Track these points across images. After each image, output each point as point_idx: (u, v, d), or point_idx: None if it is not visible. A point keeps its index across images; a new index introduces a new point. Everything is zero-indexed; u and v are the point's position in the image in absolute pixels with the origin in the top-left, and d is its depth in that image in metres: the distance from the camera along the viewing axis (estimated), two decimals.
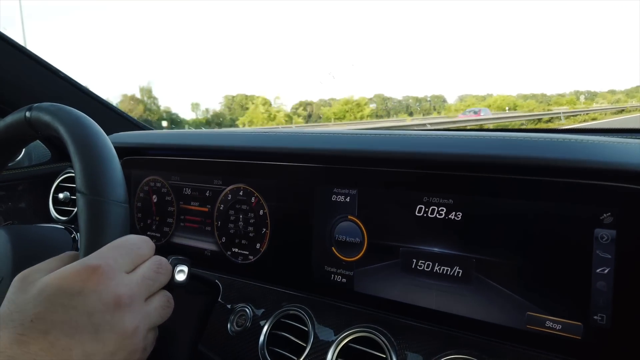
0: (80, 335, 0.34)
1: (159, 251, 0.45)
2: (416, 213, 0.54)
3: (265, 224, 0.67)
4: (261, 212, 0.67)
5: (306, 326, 0.59)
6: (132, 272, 0.40)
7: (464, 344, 0.50)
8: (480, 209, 0.50)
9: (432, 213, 0.53)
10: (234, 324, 0.65)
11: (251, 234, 0.68)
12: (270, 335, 0.61)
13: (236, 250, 0.70)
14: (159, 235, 0.80)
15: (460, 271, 0.51)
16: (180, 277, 0.46)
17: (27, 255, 0.54)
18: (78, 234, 0.64)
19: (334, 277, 0.61)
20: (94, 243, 0.40)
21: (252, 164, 0.69)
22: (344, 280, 0.60)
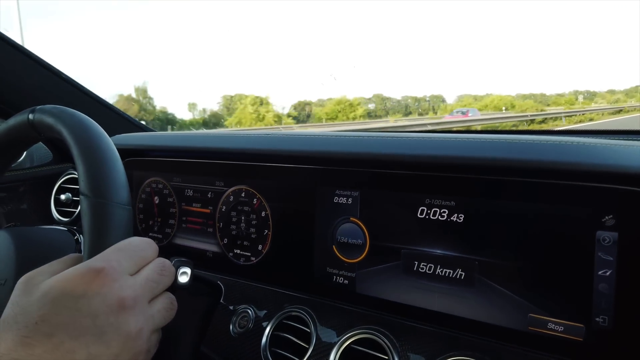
0: (84, 337, 0.34)
1: (161, 252, 0.45)
2: (418, 215, 0.54)
3: (267, 225, 0.67)
4: (263, 213, 0.68)
5: (308, 327, 0.59)
6: (135, 274, 0.40)
7: (466, 345, 0.50)
8: (482, 211, 0.50)
9: (434, 215, 0.53)
10: (236, 325, 0.65)
11: (253, 236, 0.69)
12: (272, 336, 0.61)
13: (238, 251, 0.70)
14: (160, 236, 0.80)
15: (463, 273, 0.51)
16: (183, 279, 0.47)
17: (30, 257, 0.54)
18: (81, 235, 0.64)
19: (336, 278, 0.61)
20: (98, 245, 0.40)
21: (255, 165, 0.69)
22: (345, 281, 0.60)
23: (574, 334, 0.45)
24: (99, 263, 0.38)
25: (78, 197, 0.93)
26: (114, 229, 0.42)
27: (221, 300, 0.69)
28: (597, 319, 0.44)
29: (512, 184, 0.49)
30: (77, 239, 0.63)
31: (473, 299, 0.51)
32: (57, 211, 0.96)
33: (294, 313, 0.61)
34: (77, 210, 0.92)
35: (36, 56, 0.90)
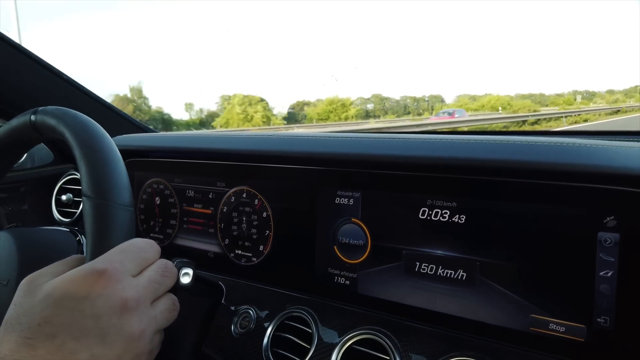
0: (87, 338, 0.34)
1: (162, 253, 0.45)
2: (420, 216, 0.54)
3: (269, 226, 0.67)
4: (264, 214, 0.68)
5: (310, 328, 0.59)
6: (138, 275, 0.40)
7: (468, 346, 0.50)
8: (483, 212, 0.50)
9: (435, 216, 0.53)
10: (238, 325, 0.65)
11: (254, 236, 0.69)
12: (274, 337, 0.61)
13: (239, 252, 0.71)
14: (161, 237, 0.80)
15: (464, 274, 0.51)
16: (186, 279, 0.47)
17: (32, 258, 0.54)
18: (83, 236, 0.64)
19: (337, 279, 0.61)
20: (100, 247, 0.40)
21: (256, 166, 0.69)
22: (347, 282, 0.60)
23: (576, 334, 0.45)
24: (101, 264, 0.38)
25: (79, 197, 0.93)
26: (117, 230, 0.42)
27: (222, 301, 0.70)
28: (599, 319, 0.44)
29: (514, 185, 0.49)
30: (79, 239, 0.63)
31: (474, 300, 0.51)
32: (58, 212, 0.96)
33: (295, 313, 0.61)
34: (78, 211, 0.92)
35: (37, 57, 0.90)
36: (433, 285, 0.53)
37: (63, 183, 0.98)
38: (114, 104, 1.10)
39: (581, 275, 0.45)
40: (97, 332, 0.35)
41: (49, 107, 0.49)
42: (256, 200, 0.68)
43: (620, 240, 0.43)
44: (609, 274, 0.44)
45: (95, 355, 0.34)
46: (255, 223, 0.69)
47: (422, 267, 0.54)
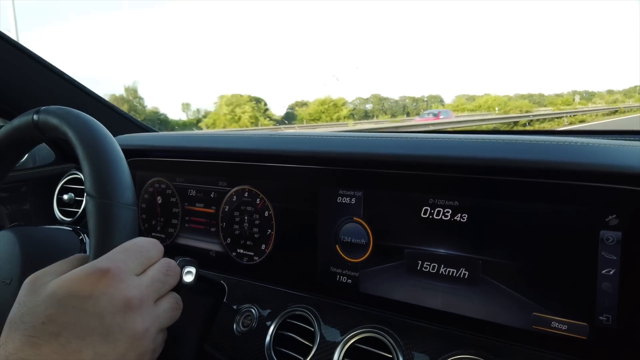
0: (91, 337, 0.34)
1: (164, 252, 0.45)
2: (422, 215, 0.54)
3: (271, 225, 0.67)
4: (266, 213, 0.68)
5: (312, 326, 0.59)
6: (141, 274, 0.40)
7: (470, 344, 0.50)
8: (485, 210, 0.50)
9: (437, 215, 0.53)
10: (240, 324, 0.65)
11: (256, 235, 0.69)
12: (276, 335, 0.61)
13: (241, 251, 0.71)
14: (163, 236, 0.80)
15: (467, 273, 0.51)
16: (188, 278, 0.47)
17: (35, 256, 0.54)
18: (85, 235, 0.65)
19: (339, 277, 0.61)
20: (104, 246, 0.41)
21: (258, 165, 0.69)
22: (349, 281, 0.60)
23: (578, 332, 0.45)
24: (105, 263, 0.38)
25: (80, 197, 0.94)
26: (120, 229, 0.42)
27: (224, 300, 0.70)
28: (601, 317, 0.44)
29: (516, 183, 0.49)
30: (82, 239, 0.63)
31: (477, 298, 0.51)
32: (60, 211, 0.96)
33: (297, 312, 0.62)
34: (80, 210, 0.92)
35: (39, 57, 0.90)
36: (435, 284, 0.53)
37: (64, 183, 0.98)
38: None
39: (583, 273, 0.45)
40: (100, 331, 0.35)
41: (52, 107, 0.49)
42: (258, 200, 0.69)
43: (622, 239, 0.43)
44: (611, 272, 0.44)
45: (99, 354, 0.34)
46: (257, 222, 0.69)
47: (424, 265, 0.54)
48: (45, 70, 0.92)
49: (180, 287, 0.45)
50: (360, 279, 0.59)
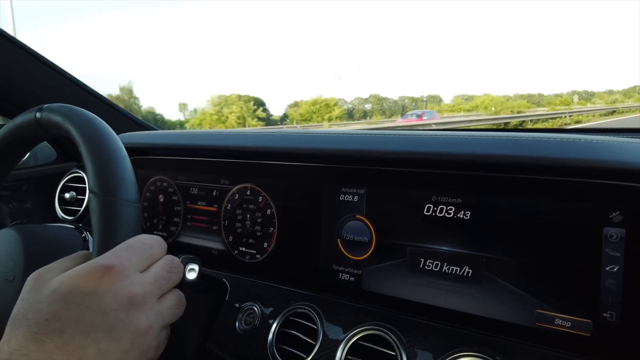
0: (94, 333, 0.34)
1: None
2: (424, 212, 0.54)
3: (273, 223, 0.67)
4: (268, 211, 0.68)
5: (315, 324, 0.59)
6: (145, 271, 0.40)
7: (474, 341, 0.50)
8: (489, 208, 0.50)
9: (440, 212, 0.53)
10: (242, 322, 0.65)
11: (258, 233, 0.69)
12: (278, 333, 0.61)
13: (243, 249, 0.71)
14: (165, 234, 0.80)
15: (470, 270, 0.51)
16: (191, 275, 0.47)
17: (38, 254, 0.54)
18: (88, 233, 0.65)
19: (342, 275, 0.61)
20: (107, 243, 0.41)
21: (260, 163, 0.69)
22: (351, 278, 0.60)
23: (582, 329, 0.45)
24: (108, 260, 0.38)
25: (82, 195, 0.94)
26: (123, 226, 0.42)
27: (227, 298, 0.70)
28: (605, 314, 0.44)
29: (519, 181, 0.49)
30: (85, 236, 0.63)
31: (480, 296, 0.51)
32: (62, 210, 0.96)
33: (300, 310, 0.61)
34: (82, 209, 0.92)
35: (40, 55, 0.90)
36: (438, 282, 0.53)
37: (66, 181, 0.98)
38: None
39: (587, 270, 0.45)
40: (104, 327, 0.35)
41: (55, 105, 0.49)
42: (260, 198, 0.68)
43: (626, 236, 0.43)
44: (615, 269, 0.44)
45: (102, 350, 0.34)
46: (259, 220, 0.69)
47: (427, 263, 0.54)
48: (47, 68, 0.92)
49: (183, 285, 0.45)
50: (363, 276, 0.59)
